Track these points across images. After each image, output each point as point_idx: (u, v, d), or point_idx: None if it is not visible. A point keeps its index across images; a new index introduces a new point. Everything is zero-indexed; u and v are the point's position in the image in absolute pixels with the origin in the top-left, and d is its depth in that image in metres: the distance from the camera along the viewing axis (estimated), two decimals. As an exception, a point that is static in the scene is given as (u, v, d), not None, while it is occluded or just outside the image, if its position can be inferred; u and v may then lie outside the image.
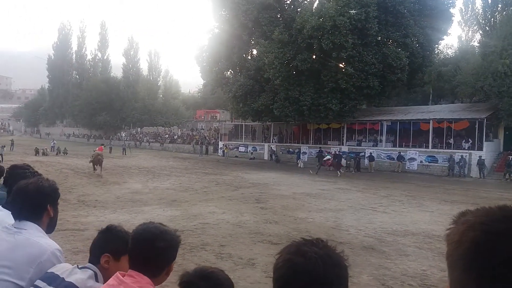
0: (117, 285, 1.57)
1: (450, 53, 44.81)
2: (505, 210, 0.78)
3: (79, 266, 1.83)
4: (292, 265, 1.01)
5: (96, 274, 1.80)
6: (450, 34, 33.67)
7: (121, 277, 1.59)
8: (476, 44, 41.05)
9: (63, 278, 1.74)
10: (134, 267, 1.62)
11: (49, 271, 1.80)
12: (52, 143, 42.83)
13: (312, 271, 0.99)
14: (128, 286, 1.55)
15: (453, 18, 33.20)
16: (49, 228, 2.07)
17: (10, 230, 1.94)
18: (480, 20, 41.17)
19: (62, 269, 1.80)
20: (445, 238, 0.86)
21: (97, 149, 25.22)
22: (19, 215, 1.98)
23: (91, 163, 22.12)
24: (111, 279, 1.63)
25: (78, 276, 1.76)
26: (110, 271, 1.77)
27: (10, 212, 2.09)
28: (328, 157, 28.51)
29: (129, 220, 10.25)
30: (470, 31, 45.12)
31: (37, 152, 35.80)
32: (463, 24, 45.17)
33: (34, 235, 1.91)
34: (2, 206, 2.40)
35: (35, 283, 1.76)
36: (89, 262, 1.88)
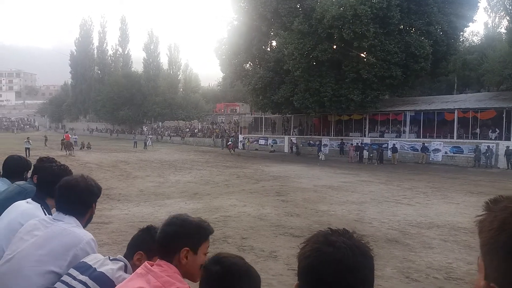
0: (146, 274, 1.61)
1: (475, 40, 43.66)
2: None
3: (111, 258, 1.90)
4: (321, 254, 1.01)
5: (126, 266, 1.87)
6: (475, 21, 32.57)
7: (150, 266, 1.64)
8: (503, 30, 39.75)
9: (95, 268, 1.82)
10: (163, 257, 1.68)
11: (82, 260, 1.88)
12: (74, 138, 43.64)
13: (341, 260, 0.99)
14: (156, 275, 1.58)
15: (478, 4, 32.12)
16: (86, 224, 2.18)
17: (48, 221, 2.04)
18: (507, 6, 39.48)
19: (94, 260, 1.87)
20: (479, 225, 0.83)
21: (64, 137, 35.67)
22: (66, 210, 2.05)
23: (63, 148, 31.90)
24: (139, 268, 1.68)
25: (109, 266, 1.83)
26: None
27: (58, 206, 2.15)
28: (230, 142, 37.58)
29: (153, 213, 10.39)
30: (497, 17, 43.76)
31: (63, 144, 37.03)
32: (489, 10, 43.84)
33: (70, 226, 2.00)
34: (31, 199, 2.46)
35: (68, 272, 1.84)
36: (124, 256, 1.96)
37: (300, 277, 1.06)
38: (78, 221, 2.06)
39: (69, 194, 2.07)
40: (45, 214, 2.32)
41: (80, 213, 2.08)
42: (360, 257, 1.01)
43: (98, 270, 1.81)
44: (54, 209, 2.46)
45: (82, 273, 1.80)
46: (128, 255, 1.96)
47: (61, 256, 1.89)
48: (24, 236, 2.00)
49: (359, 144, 30.98)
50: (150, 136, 54.21)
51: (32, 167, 3.04)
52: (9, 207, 2.43)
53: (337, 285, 0.99)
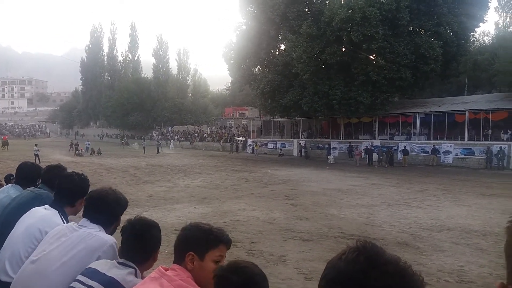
0: (159, 278, 1.63)
1: (486, 40, 43.21)
2: None
3: (118, 261, 1.90)
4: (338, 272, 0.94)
5: (136, 270, 1.87)
6: (486, 21, 32.21)
7: (164, 270, 1.66)
8: (514, 30, 39.31)
9: (104, 273, 1.82)
10: (176, 262, 1.72)
11: (89, 266, 1.89)
12: (87, 143, 43.97)
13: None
14: (169, 279, 1.61)
15: (489, 4, 31.77)
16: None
17: (74, 227, 2.12)
18: (519, 5, 39.29)
19: (102, 265, 1.88)
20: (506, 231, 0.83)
21: (2, 137, 45.19)
22: (93, 219, 2.14)
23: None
24: (153, 272, 1.70)
25: (119, 271, 1.83)
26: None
27: (86, 214, 2.21)
28: (123, 140, 45.78)
29: (162, 217, 10.41)
30: (508, 17, 43.22)
31: (76, 149, 37.69)
32: (500, 10, 43.29)
33: (94, 230, 2.07)
34: (49, 206, 2.50)
35: (76, 278, 1.85)
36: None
37: None
38: (102, 228, 2.13)
39: (99, 204, 2.15)
40: (63, 221, 2.37)
41: (107, 224, 2.16)
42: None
43: (107, 275, 1.81)
44: (70, 216, 2.52)
45: (91, 279, 1.80)
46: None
47: (86, 259, 1.94)
48: (51, 240, 2.08)
49: (369, 147, 30.81)
50: (172, 140, 54.92)
51: (43, 172, 3.07)
52: (27, 212, 2.47)
53: None
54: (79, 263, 1.93)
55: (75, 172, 2.69)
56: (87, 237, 2.02)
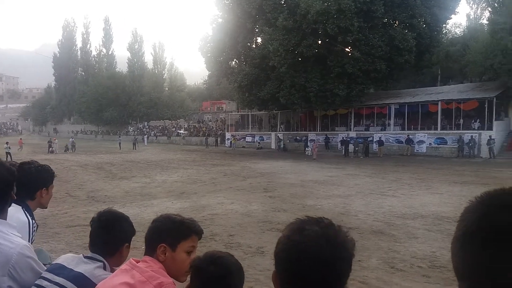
0: (130, 269, 1.61)
1: (458, 32, 44.21)
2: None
3: (85, 256, 1.85)
4: (288, 242, 0.99)
5: (104, 264, 1.83)
6: (458, 12, 33.02)
7: (135, 262, 1.65)
8: (485, 21, 40.35)
9: (71, 268, 1.77)
10: (147, 254, 1.70)
11: (55, 262, 1.83)
12: (71, 140, 41.54)
13: (310, 250, 0.94)
14: (141, 270, 1.59)
15: (460, -4, 32.48)
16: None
17: None
18: (488, -3, 40.24)
19: (69, 260, 1.82)
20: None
21: None
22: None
23: None
24: (124, 264, 1.69)
25: (86, 266, 1.78)
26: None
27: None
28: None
29: (139, 214, 10.30)
30: (479, 9, 44.28)
31: (50, 146, 36.53)
32: (471, 2, 44.32)
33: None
34: (13, 202, 2.38)
35: (42, 275, 1.77)
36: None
37: (275, 265, 1.04)
38: (4, 222, 1.82)
39: None
40: (27, 217, 2.27)
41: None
42: (331, 247, 0.94)
43: (75, 270, 1.76)
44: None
45: (57, 275, 1.75)
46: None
47: None
48: None
49: (344, 138, 31.22)
50: (136, 137, 53.70)
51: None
52: None
53: (305, 275, 0.94)
54: None
55: (34, 164, 2.54)
56: None
